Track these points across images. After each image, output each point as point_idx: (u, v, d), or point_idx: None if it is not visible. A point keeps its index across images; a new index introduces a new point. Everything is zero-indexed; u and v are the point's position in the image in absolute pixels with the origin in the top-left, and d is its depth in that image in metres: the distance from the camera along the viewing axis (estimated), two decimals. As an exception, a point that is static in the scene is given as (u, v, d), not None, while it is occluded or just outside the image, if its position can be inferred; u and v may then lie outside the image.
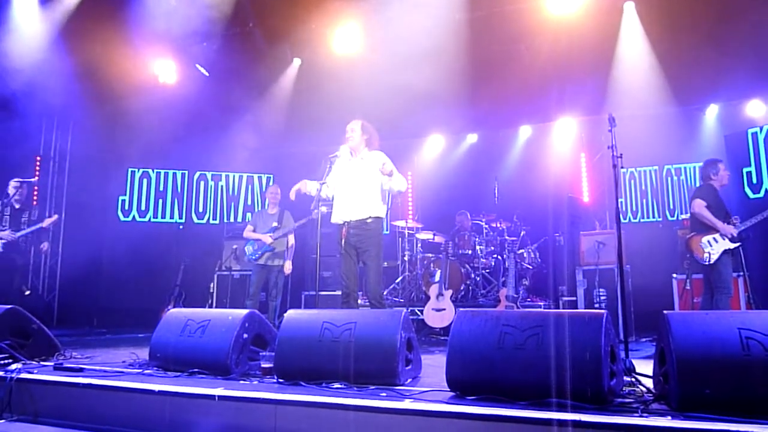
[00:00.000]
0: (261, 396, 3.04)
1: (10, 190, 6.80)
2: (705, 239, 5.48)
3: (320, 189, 4.86)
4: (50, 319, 9.07)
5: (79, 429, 3.40)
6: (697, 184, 6.41)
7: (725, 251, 5.41)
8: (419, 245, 8.35)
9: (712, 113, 8.46)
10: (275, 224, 6.92)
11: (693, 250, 5.55)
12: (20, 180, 6.93)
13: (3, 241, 6.61)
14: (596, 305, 6.65)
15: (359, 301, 5.33)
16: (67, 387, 3.54)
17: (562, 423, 2.45)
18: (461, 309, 3.43)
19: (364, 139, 5.00)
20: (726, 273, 5.41)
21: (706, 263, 5.45)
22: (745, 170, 7.74)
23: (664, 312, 2.85)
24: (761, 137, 7.63)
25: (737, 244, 5.44)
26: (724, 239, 5.44)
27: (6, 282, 6.71)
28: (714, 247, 5.43)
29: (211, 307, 8.25)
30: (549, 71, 7.89)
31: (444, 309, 6.90)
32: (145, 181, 10.01)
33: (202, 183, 10.21)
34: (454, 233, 8.07)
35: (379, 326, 3.46)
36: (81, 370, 3.94)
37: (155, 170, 10.05)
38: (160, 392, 3.24)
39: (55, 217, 7.03)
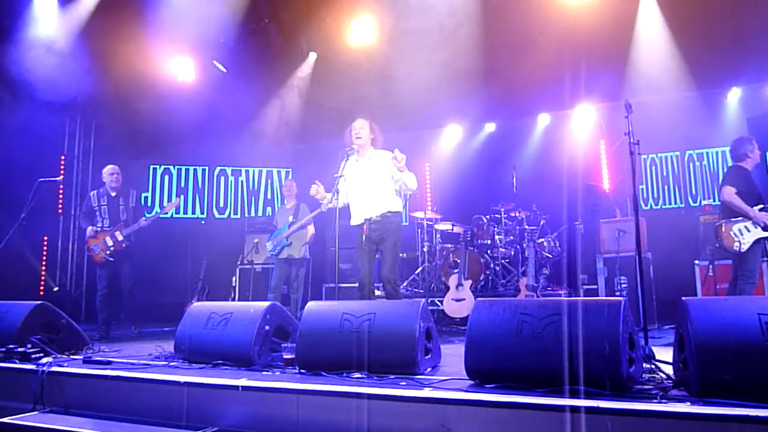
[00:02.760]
0: (283, 386, 3.10)
1: (105, 178, 6.76)
2: (736, 227, 5.20)
3: (337, 182, 4.91)
4: (78, 314, 9.27)
5: (109, 419, 3.50)
6: (727, 167, 6.13)
7: (756, 241, 5.14)
8: (438, 236, 8.37)
9: (734, 96, 8.31)
10: (291, 218, 7.00)
11: (722, 238, 5.25)
12: (113, 167, 6.82)
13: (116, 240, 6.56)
14: (617, 293, 6.60)
15: (377, 293, 5.38)
16: (96, 379, 3.65)
17: (580, 409, 2.46)
18: (479, 299, 3.45)
19: (371, 138, 5.04)
20: (753, 261, 5.19)
21: (736, 252, 5.19)
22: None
23: (683, 298, 2.84)
24: (786, 120, 7.50)
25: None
26: (756, 228, 5.15)
27: (114, 281, 6.71)
28: (746, 236, 5.15)
29: (233, 300, 8.37)
30: (566, 58, 7.81)
31: (464, 299, 6.91)
32: (166, 177, 10.15)
33: (222, 178, 10.33)
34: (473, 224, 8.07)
35: (398, 316, 3.51)
36: (109, 363, 4.05)
37: (176, 167, 10.19)
38: (186, 383, 3.32)
39: (178, 200, 6.90)
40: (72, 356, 4.41)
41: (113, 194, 6.78)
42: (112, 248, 6.59)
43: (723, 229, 5.28)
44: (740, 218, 5.22)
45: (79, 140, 9.96)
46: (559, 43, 7.59)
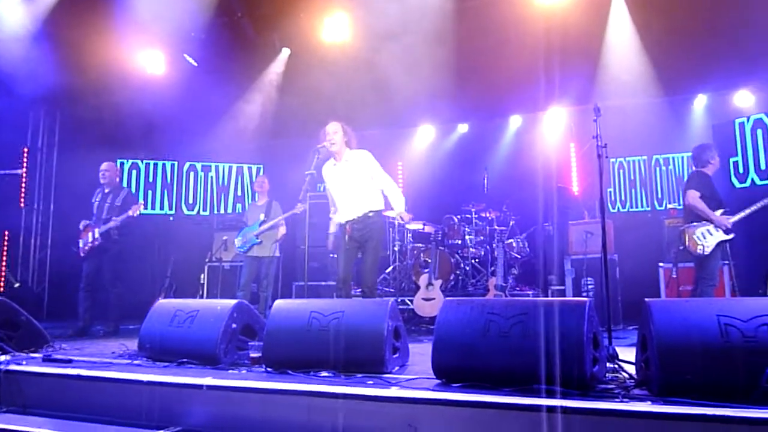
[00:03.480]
0: (248, 385, 3.07)
1: (100, 176, 6.78)
2: (699, 231, 5.34)
3: (308, 179, 4.91)
4: (40, 311, 9.04)
5: (69, 419, 3.41)
6: (690, 171, 6.32)
7: (717, 244, 5.30)
8: (409, 235, 8.38)
9: (700, 103, 8.51)
10: (262, 216, 6.94)
11: (687, 242, 5.40)
12: (105, 164, 6.82)
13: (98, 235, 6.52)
14: (584, 294, 6.71)
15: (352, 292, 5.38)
16: (56, 378, 3.55)
17: (544, 408, 2.49)
18: (448, 298, 3.47)
19: (344, 141, 5.05)
20: (714, 264, 5.35)
21: (700, 255, 5.32)
22: (732, 160, 7.81)
23: (646, 300, 2.89)
24: (748, 127, 7.70)
25: (731, 236, 5.32)
26: (717, 231, 5.31)
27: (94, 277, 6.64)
28: (708, 239, 5.30)
29: (201, 298, 8.26)
30: (538, 61, 7.88)
31: (434, 298, 6.94)
32: (134, 172, 9.95)
33: (191, 174, 10.17)
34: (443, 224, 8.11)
35: (366, 315, 3.50)
36: (70, 361, 3.95)
37: (144, 161, 10.00)
38: (149, 382, 3.26)
39: (140, 204, 6.71)
40: (31, 354, 4.29)
41: (106, 191, 6.78)
42: (90, 244, 6.55)
43: (687, 233, 5.42)
44: (702, 222, 5.36)
45: (43, 133, 9.72)
46: (532, 46, 7.65)
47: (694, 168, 5.74)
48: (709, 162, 5.58)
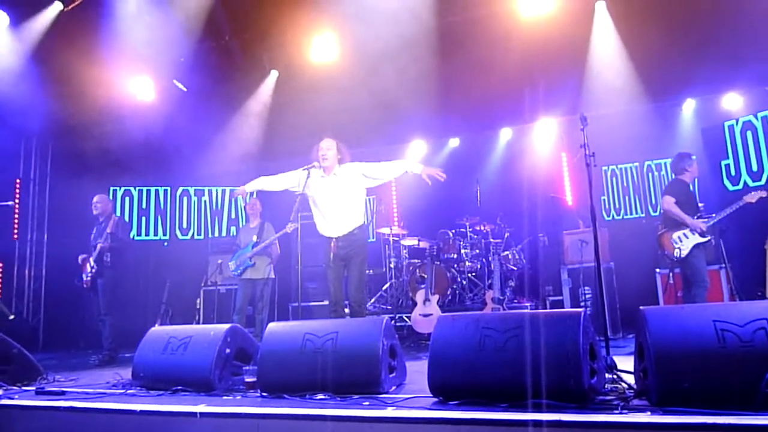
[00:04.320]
0: (242, 411, 3.02)
1: (93, 208, 6.94)
2: (675, 235, 5.58)
3: (298, 200, 4.89)
4: (36, 342, 8.95)
5: (63, 453, 3.36)
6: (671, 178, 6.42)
7: (696, 245, 5.48)
8: (405, 251, 8.35)
9: (689, 108, 8.54)
10: (255, 238, 6.91)
11: (664, 246, 5.65)
12: (97, 196, 7.01)
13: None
14: (582, 303, 6.67)
15: (347, 311, 5.33)
16: (49, 411, 3.49)
17: (542, 423, 2.45)
18: (442, 314, 3.43)
19: (337, 158, 5.04)
20: (700, 266, 5.49)
21: (676, 259, 5.55)
22: (723, 163, 7.83)
23: (641, 308, 2.86)
24: (738, 129, 7.73)
25: (707, 239, 5.50)
26: (693, 234, 5.51)
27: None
28: (684, 242, 5.52)
29: (198, 322, 8.19)
30: (525, 73, 7.95)
31: (431, 314, 6.89)
32: (127, 199, 9.93)
33: (185, 199, 10.15)
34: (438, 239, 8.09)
35: (360, 335, 3.46)
36: (63, 393, 3.89)
37: (137, 188, 9.98)
38: (142, 412, 3.21)
39: (114, 218, 6.83)
40: (24, 387, 4.24)
41: (101, 221, 6.89)
42: (90, 275, 6.69)
43: (663, 238, 5.66)
44: (679, 226, 5.58)
45: (35, 163, 9.69)
46: (519, 59, 7.69)
47: (672, 176, 5.96)
48: (686, 170, 5.77)
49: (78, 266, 6.85)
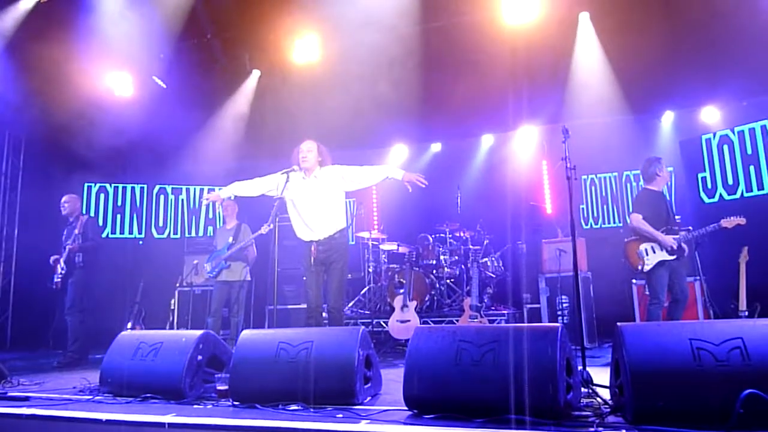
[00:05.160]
0: (213, 422, 2.94)
1: (61, 209, 6.83)
2: (643, 247, 5.30)
3: (276, 203, 4.82)
4: (3, 341, 8.73)
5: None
6: (638, 189, 6.27)
7: (660, 263, 5.24)
8: (384, 256, 8.30)
9: (667, 120, 8.63)
10: (231, 239, 6.81)
11: (629, 256, 5.40)
12: (65, 196, 6.88)
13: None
14: (559, 312, 6.69)
15: (324, 315, 5.27)
16: (10, 418, 3.37)
17: (517, 441, 2.42)
18: (421, 323, 3.39)
19: (318, 160, 4.97)
20: (657, 284, 5.24)
21: (639, 270, 5.31)
22: (699, 175, 7.92)
23: (618, 324, 2.85)
24: (714, 143, 7.83)
25: (673, 257, 5.23)
26: (662, 250, 5.25)
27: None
28: (650, 257, 5.26)
29: (172, 324, 8.05)
30: (509, 81, 7.95)
31: (409, 320, 6.85)
32: (102, 196, 9.73)
33: (161, 197, 9.98)
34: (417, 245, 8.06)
35: (336, 345, 3.41)
36: (27, 398, 3.78)
37: (113, 185, 9.79)
38: (108, 421, 3.11)
39: (83, 216, 6.72)
40: (-14, 391, 4.10)
41: (71, 220, 6.77)
42: (60, 275, 6.55)
43: (630, 246, 5.40)
44: (650, 239, 5.31)
45: (7, 157, 9.44)
46: (502, 66, 7.71)
47: (643, 183, 5.65)
48: (657, 175, 5.48)
49: (50, 268, 6.69)
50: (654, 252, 5.27)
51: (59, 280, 6.55)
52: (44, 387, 4.42)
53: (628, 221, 5.58)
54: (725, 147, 7.71)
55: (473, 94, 8.03)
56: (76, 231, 6.57)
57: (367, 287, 8.31)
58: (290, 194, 5.02)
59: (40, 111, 8.29)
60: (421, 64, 7.50)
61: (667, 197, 5.72)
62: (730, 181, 7.60)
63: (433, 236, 8.07)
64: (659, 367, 2.61)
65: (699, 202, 7.84)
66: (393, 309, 7.15)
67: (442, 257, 7.87)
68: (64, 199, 6.87)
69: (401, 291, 7.19)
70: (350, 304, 8.25)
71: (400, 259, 8.15)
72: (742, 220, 5.34)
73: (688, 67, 7.26)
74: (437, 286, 7.76)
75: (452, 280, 8.02)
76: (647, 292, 6.17)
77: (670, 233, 5.30)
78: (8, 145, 9.46)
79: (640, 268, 5.29)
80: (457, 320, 7.00)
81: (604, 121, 8.28)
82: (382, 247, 8.28)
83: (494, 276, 7.78)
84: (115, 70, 8.26)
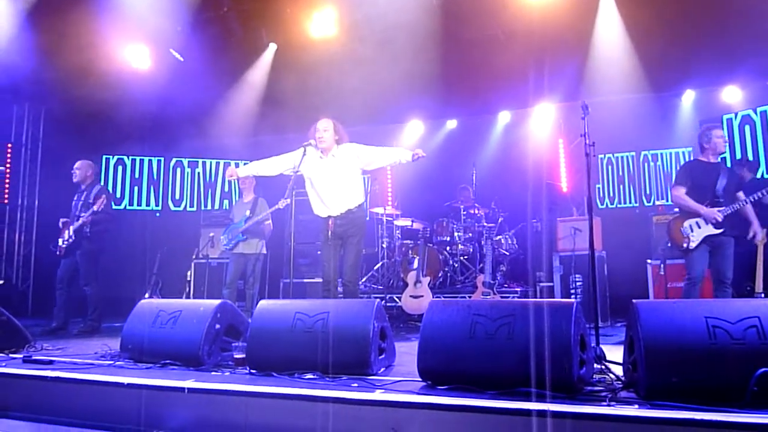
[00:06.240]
0: (231, 388, 3.01)
1: (72, 176, 6.74)
2: (687, 223, 4.99)
3: (293, 177, 4.86)
4: (25, 309, 8.94)
5: (50, 423, 3.35)
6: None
7: (706, 237, 4.92)
8: (398, 232, 8.33)
9: (688, 99, 8.51)
10: (248, 213, 6.87)
11: (673, 235, 5.07)
12: (78, 162, 6.79)
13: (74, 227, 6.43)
14: (572, 291, 6.70)
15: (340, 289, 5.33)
16: (36, 380, 3.48)
17: (530, 413, 2.45)
18: (434, 298, 3.42)
19: (335, 139, 4.98)
20: (695, 260, 4.94)
21: (684, 248, 4.98)
22: (720, 156, 7.80)
23: (633, 301, 2.86)
24: (736, 123, 7.72)
25: (721, 230, 4.89)
26: (707, 224, 4.92)
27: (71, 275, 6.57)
28: (696, 232, 4.94)
29: (188, 295, 8.18)
30: (527, 57, 7.85)
31: (422, 296, 6.90)
32: (120, 168, 9.85)
33: (178, 170, 10.07)
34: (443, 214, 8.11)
35: (352, 316, 3.45)
36: (51, 362, 3.88)
37: (130, 157, 9.89)
38: (129, 385, 3.20)
39: (103, 198, 6.45)
40: (12, 355, 4.23)
41: (83, 188, 6.72)
42: (66, 242, 6.49)
43: (675, 224, 5.11)
44: (694, 214, 5.02)
45: (27, 128, 9.57)
46: (521, 42, 7.61)
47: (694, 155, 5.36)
48: (704, 146, 5.15)
49: (58, 230, 6.65)
50: (699, 227, 4.94)
51: (63, 246, 6.49)
52: (66, 352, 4.53)
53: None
54: (747, 127, 7.60)
55: (491, 70, 7.96)
56: (90, 200, 6.51)
57: (381, 262, 8.36)
58: (308, 172, 5.05)
59: (59, 84, 8.37)
60: (438, 39, 7.41)
61: (724, 168, 5.18)
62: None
63: (448, 205, 8.11)
64: (674, 344, 2.62)
65: (745, 190, 7.73)
66: (406, 284, 7.20)
67: (456, 234, 7.89)
68: (76, 165, 6.79)
69: (415, 267, 7.23)
70: (363, 279, 8.31)
71: (414, 235, 8.18)
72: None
73: (710, 45, 7.12)
74: (450, 262, 7.80)
75: (466, 257, 8.04)
76: (662, 272, 6.16)
77: (715, 206, 4.93)
78: (28, 116, 9.59)
79: (685, 245, 4.96)
80: (470, 296, 7.04)
81: (623, 99, 8.16)
82: (396, 222, 8.31)
83: (508, 254, 7.79)
84: (132, 43, 8.28)
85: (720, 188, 4.99)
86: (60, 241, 6.56)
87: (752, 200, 4.97)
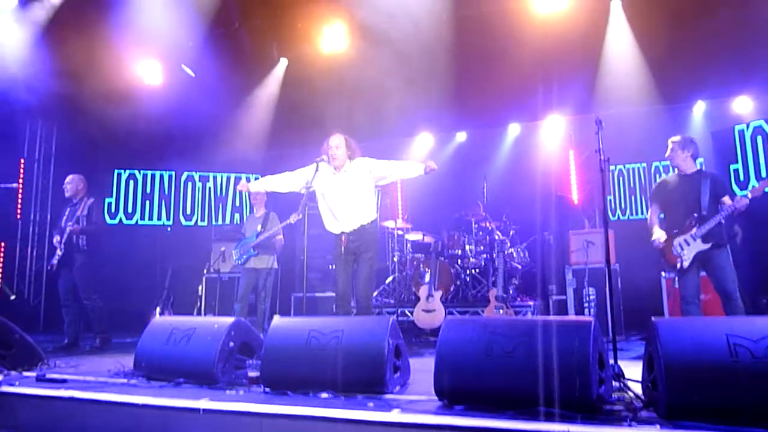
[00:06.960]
0: (247, 409, 3.00)
1: (64, 190, 6.59)
2: (676, 242, 4.75)
3: (306, 194, 4.86)
4: (36, 324, 8.97)
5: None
6: None
7: (697, 254, 4.66)
8: (409, 246, 8.31)
9: (699, 110, 8.46)
10: (259, 227, 6.87)
11: (667, 257, 4.87)
12: (69, 177, 6.62)
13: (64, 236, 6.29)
14: (585, 305, 6.64)
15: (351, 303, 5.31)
16: (50, 400, 3.48)
17: (550, 434, 2.43)
18: (449, 316, 3.41)
19: (347, 154, 4.98)
20: (688, 282, 4.73)
21: (679, 269, 4.73)
22: (732, 167, 7.76)
23: (652, 318, 2.83)
24: (748, 134, 7.65)
25: (709, 245, 4.61)
26: (695, 240, 4.65)
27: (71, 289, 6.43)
28: (686, 250, 4.69)
29: (199, 310, 8.18)
30: (537, 69, 7.86)
31: (434, 310, 6.87)
32: (131, 182, 9.90)
33: (189, 184, 10.11)
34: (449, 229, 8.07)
35: (366, 333, 3.43)
36: (64, 381, 3.88)
37: (142, 171, 9.94)
38: (144, 405, 3.19)
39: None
40: (25, 373, 4.23)
41: (74, 202, 6.57)
42: (57, 257, 6.39)
43: (666, 245, 4.86)
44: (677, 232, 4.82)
45: (40, 143, 9.66)
46: (530, 55, 7.61)
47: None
48: (672, 161, 5.04)
49: (53, 248, 6.53)
50: (688, 245, 4.69)
51: (55, 262, 6.37)
52: (79, 370, 4.53)
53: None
54: (759, 138, 7.53)
55: (501, 82, 7.96)
56: (79, 212, 6.38)
57: (392, 276, 8.34)
58: (320, 188, 5.05)
59: (71, 99, 8.45)
60: (448, 53, 7.44)
61: (705, 175, 4.90)
62: (764, 173, 7.42)
63: (460, 218, 8.08)
64: (694, 362, 2.58)
65: (732, 195, 7.66)
66: (417, 298, 7.17)
67: (467, 247, 7.86)
68: (67, 179, 6.61)
69: (427, 281, 7.20)
70: (375, 294, 8.28)
71: (425, 248, 8.15)
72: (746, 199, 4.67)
73: (721, 55, 7.08)
74: (462, 276, 7.76)
75: (477, 270, 8.00)
76: (676, 285, 6.05)
77: (702, 221, 4.65)
78: (40, 133, 9.67)
79: (679, 265, 4.71)
80: (482, 310, 7.00)
81: (634, 110, 8.13)
82: (407, 236, 8.29)
83: (520, 267, 7.74)
84: (145, 59, 8.36)
85: (705, 202, 4.74)
86: (54, 258, 6.43)
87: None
